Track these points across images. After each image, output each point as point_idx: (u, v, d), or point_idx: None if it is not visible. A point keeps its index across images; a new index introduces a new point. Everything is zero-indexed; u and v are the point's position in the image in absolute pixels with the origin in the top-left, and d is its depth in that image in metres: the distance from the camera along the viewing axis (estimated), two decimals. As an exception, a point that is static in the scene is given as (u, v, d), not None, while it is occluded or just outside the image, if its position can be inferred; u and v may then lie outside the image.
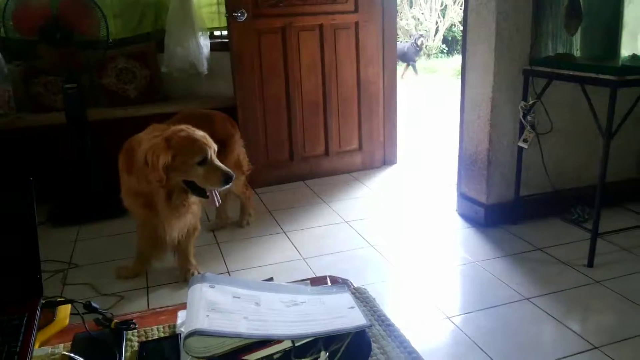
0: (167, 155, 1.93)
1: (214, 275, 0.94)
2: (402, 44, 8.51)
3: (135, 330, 0.91)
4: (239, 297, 0.89)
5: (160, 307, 1.01)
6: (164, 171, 1.95)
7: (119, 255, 2.60)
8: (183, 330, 0.85)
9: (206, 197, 2.06)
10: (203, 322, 0.80)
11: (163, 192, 2.05)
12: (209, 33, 3.87)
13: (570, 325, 1.94)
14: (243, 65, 3.34)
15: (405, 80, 8.35)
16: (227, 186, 2.02)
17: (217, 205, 2.13)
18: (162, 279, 2.40)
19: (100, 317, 0.91)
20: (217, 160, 2.02)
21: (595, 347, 1.81)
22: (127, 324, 0.90)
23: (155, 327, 0.92)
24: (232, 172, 2.00)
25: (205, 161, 1.98)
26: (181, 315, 0.91)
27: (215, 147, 2.03)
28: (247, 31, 3.28)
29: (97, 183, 3.14)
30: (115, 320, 0.90)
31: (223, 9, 3.53)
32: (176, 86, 3.91)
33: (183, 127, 2.03)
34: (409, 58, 8.29)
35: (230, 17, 3.23)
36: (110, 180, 3.23)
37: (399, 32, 8.48)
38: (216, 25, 3.99)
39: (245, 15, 3.22)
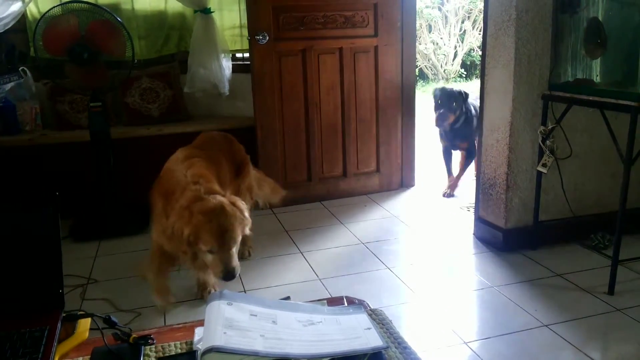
0: (188, 231, 1.90)
1: (232, 293, 0.95)
2: None
3: (153, 346, 0.92)
4: (256, 315, 0.90)
5: (178, 324, 1.02)
6: (188, 245, 1.92)
7: (137, 272, 2.62)
8: (200, 346, 0.85)
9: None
10: (220, 339, 0.81)
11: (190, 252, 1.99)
12: (231, 55, 3.94)
13: (590, 353, 1.90)
14: (263, 86, 3.39)
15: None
16: (226, 281, 1.94)
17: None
18: (179, 296, 2.41)
19: (118, 331, 0.92)
20: (230, 252, 1.93)
21: (616, 378, 1.77)
22: (145, 339, 0.91)
23: (172, 343, 0.93)
24: (235, 270, 1.92)
25: (214, 251, 1.92)
26: (198, 332, 0.92)
27: (238, 238, 1.95)
28: (268, 53, 3.34)
29: (118, 200, 3.20)
30: (134, 335, 0.91)
31: (245, 31, 3.61)
32: (198, 106, 3.98)
33: (213, 202, 1.94)
34: None
35: (252, 39, 3.29)
36: (132, 197, 3.29)
37: (417, 56, 8.53)
38: (238, 47, 4.07)
39: (267, 38, 3.29)
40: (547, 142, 2.59)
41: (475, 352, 1.93)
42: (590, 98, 2.36)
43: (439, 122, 3.63)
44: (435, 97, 3.67)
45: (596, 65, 2.46)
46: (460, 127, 3.66)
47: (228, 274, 1.90)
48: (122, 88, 3.63)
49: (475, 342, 1.99)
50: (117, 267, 2.73)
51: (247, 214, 2.04)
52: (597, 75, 2.46)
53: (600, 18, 2.37)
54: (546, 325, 2.08)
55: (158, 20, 3.93)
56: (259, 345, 0.82)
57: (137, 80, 3.73)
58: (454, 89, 3.72)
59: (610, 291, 2.30)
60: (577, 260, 2.62)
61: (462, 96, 3.62)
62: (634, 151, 2.19)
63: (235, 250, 1.95)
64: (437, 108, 3.62)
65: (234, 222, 1.93)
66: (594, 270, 2.51)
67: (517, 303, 2.26)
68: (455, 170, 3.89)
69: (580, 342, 1.96)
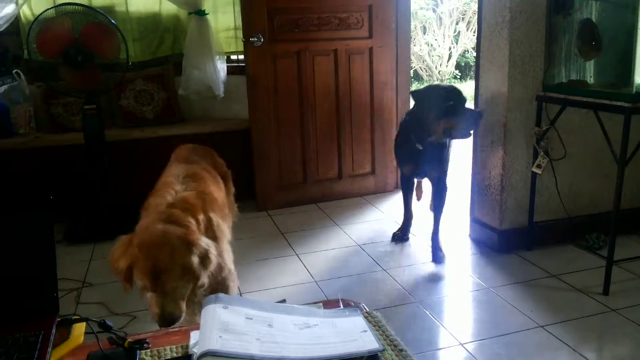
0: (124, 263, 1.56)
1: (228, 296, 0.94)
2: None
3: (149, 350, 0.91)
4: (251, 319, 0.90)
5: (174, 327, 1.01)
6: (125, 279, 1.57)
7: (132, 275, 2.61)
8: (196, 350, 0.85)
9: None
10: (216, 342, 0.81)
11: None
12: (225, 57, 3.94)
13: (585, 354, 1.90)
14: (258, 88, 3.39)
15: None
16: (165, 327, 1.49)
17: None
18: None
19: (113, 336, 0.92)
20: (168, 296, 1.52)
21: (612, 378, 1.77)
22: (140, 344, 0.91)
23: (168, 347, 0.93)
24: (173, 317, 1.51)
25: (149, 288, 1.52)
26: (194, 336, 0.92)
27: (182, 283, 1.54)
28: (263, 55, 3.34)
29: (113, 202, 3.19)
30: (129, 340, 0.91)
31: (240, 33, 3.61)
32: (192, 108, 3.98)
33: (155, 233, 1.59)
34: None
35: (246, 41, 3.29)
36: (126, 200, 3.27)
37: (412, 57, 8.55)
38: (233, 49, 4.07)
39: (262, 40, 3.29)
40: (542, 143, 2.60)
41: (471, 354, 1.93)
42: (584, 99, 2.37)
43: (465, 130, 2.52)
44: (438, 96, 2.54)
45: (590, 67, 2.48)
46: (437, 143, 2.63)
47: (163, 320, 1.51)
48: (116, 90, 3.62)
49: (471, 344, 1.99)
50: (109, 270, 2.70)
51: (196, 262, 1.57)
52: (590, 77, 2.47)
53: (593, 19, 2.38)
54: (542, 326, 2.08)
55: (152, 23, 3.92)
56: (254, 349, 0.82)
57: (132, 82, 3.72)
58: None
59: (605, 291, 2.31)
60: (571, 261, 2.63)
61: None
62: (628, 152, 2.20)
63: (180, 293, 1.55)
64: (445, 113, 2.50)
65: (175, 262, 1.53)
66: (588, 270, 2.52)
67: (512, 304, 2.26)
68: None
69: (575, 343, 1.97)
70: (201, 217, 1.76)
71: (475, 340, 2.02)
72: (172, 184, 1.90)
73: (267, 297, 2.37)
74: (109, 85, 3.15)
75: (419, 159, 2.70)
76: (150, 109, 3.76)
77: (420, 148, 2.65)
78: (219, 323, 0.86)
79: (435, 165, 2.73)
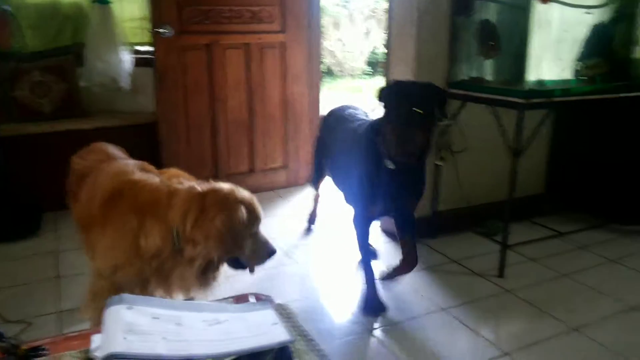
0: (244, 217, 1.66)
1: (132, 296, 0.92)
2: None
3: (46, 357, 0.87)
4: (158, 318, 0.88)
5: (73, 332, 0.97)
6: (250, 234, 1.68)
7: (29, 279, 2.45)
8: (98, 354, 0.82)
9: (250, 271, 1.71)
10: (121, 344, 0.79)
11: (197, 265, 1.55)
12: (132, 48, 3.77)
13: (483, 333, 2.05)
14: (167, 81, 3.28)
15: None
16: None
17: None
18: (76, 301, 2.28)
19: (5, 344, 0.86)
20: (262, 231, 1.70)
21: (506, 354, 1.92)
22: (36, 351, 0.86)
23: (67, 353, 0.89)
24: (274, 247, 1.73)
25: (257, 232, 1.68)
26: (96, 340, 0.88)
27: None
28: (172, 47, 3.24)
29: (7, 201, 2.96)
30: (24, 347, 0.86)
31: (147, 24, 3.47)
32: (96, 101, 3.76)
33: (225, 186, 1.75)
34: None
35: (154, 32, 3.17)
36: (21, 199, 3.06)
37: (324, 52, 8.65)
38: (139, 40, 3.90)
39: (170, 31, 3.18)
40: (445, 137, 2.74)
41: (379, 339, 2.01)
42: (483, 95, 2.53)
43: (405, 154, 1.92)
44: (397, 96, 1.92)
45: (489, 65, 2.64)
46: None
47: (272, 252, 1.75)
48: (10, 81, 3.36)
49: (378, 330, 2.08)
50: (5, 274, 2.52)
51: None
52: (489, 74, 2.64)
53: (492, 21, 2.54)
54: (444, 309, 2.21)
55: (51, 10, 3.65)
56: (161, 349, 0.81)
57: (28, 73, 3.46)
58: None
59: (500, 274, 2.50)
60: (471, 247, 2.80)
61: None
62: (521, 144, 2.38)
63: None
64: (406, 121, 1.86)
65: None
66: (486, 255, 2.69)
67: (417, 289, 2.38)
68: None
69: (474, 323, 2.11)
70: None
71: (382, 327, 2.10)
72: (146, 177, 1.73)
73: (174, 296, 2.31)
74: (2, 76, 2.91)
75: (392, 185, 2.02)
76: (48, 102, 3.51)
77: (392, 167, 1.96)
78: (124, 324, 0.84)
79: (412, 193, 2.11)
